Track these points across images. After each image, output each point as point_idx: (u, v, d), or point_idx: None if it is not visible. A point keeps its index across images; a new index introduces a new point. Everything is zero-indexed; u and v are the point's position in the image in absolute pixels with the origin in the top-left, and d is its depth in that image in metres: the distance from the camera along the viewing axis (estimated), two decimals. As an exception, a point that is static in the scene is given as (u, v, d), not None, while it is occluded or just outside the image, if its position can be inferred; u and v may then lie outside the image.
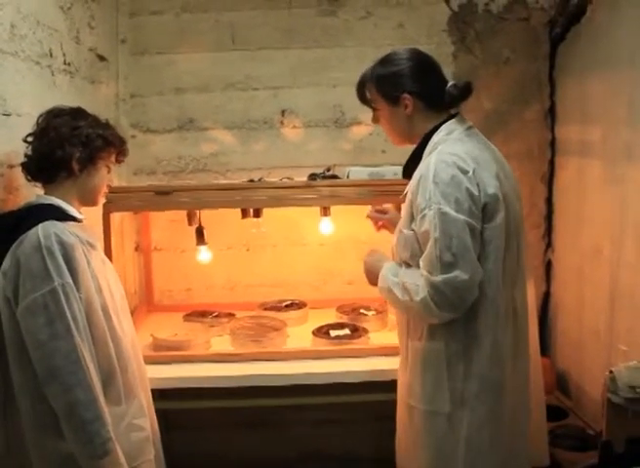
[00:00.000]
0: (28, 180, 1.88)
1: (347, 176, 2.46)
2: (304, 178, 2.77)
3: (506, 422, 1.92)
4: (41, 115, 1.86)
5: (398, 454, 2.14)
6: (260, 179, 2.80)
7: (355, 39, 3.16)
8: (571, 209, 3.12)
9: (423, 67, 2.00)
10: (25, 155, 1.85)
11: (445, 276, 1.75)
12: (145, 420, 1.94)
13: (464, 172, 1.80)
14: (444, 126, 1.95)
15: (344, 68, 3.15)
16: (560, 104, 3.22)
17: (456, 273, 1.75)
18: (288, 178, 2.82)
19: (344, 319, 2.83)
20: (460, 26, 3.17)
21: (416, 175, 1.90)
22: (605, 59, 2.76)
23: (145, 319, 2.99)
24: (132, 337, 1.98)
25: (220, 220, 2.89)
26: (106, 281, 1.90)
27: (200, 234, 2.77)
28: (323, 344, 2.56)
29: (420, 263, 1.82)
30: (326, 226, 2.87)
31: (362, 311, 2.89)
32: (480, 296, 1.83)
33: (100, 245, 1.97)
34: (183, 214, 2.83)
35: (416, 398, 1.97)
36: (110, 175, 1.99)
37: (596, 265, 2.85)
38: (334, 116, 3.19)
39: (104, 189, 1.97)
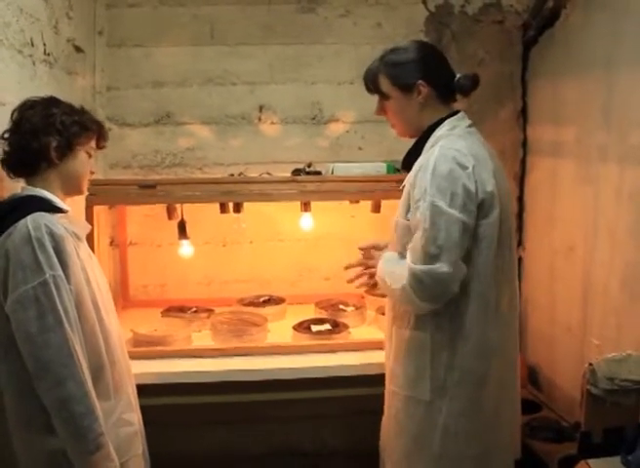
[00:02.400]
0: (10, 177, 1.85)
1: (332, 172, 2.48)
2: (282, 174, 2.77)
3: (488, 414, 1.96)
4: (15, 109, 1.83)
5: (381, 440, 2.18)
6: (240, 174, 2.79)
7: (334, 37, 3.18)
8: (542, 208, 3.19)
9: (436, 57, 2.05)
10: (3, 151, 1.82)
11: (427, 266, 1.79)
12: (134, 415, 1.92)
13: (464, 167, 1.83)
14: (447, 121, 1.98)
15: (323, 66, 3.18)
16: (532, 105, 3.29)
17: (438, 265, 1.78)
18: (267, 174, 2.82)
19: (324, 314, 2.84)
20: (437, 27, 3.21)
21: (415, 166, 1.93)
22: (579, 63, 2.83)
23: (121, 314, 2.94)
24: (118, 332, 1.96)
25: (198, 215, 2.88)
26: (94, 274, 1.87)
27: (182, 228, 2.76)
28: (305, 339, 2.57)
29: (408, 250, 1.87)
30: (306, 222, 2.88)
31: (341, 307, 2.91)
32: (469, 291, 1.87)
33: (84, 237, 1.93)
34: (159, 208, 2.82)
35: (397, 383, 2.02)
36: (92, 162, 1.95)
37: (569, 263, 2.92)
38: (311, 113, 3.20)
39: (88, 176, 1.93)
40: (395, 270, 1.93)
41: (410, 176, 1.95)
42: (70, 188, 1.89)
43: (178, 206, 2.70)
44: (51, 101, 1.86)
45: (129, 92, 3.13)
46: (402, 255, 1.95)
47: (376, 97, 2.08)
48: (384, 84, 2.02)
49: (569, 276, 2.92)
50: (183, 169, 3.15)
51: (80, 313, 1.73)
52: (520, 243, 3.39)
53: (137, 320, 2.82)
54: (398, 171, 2.62)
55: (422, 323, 1.94)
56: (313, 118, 3.20)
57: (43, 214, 1.71)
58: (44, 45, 2.41)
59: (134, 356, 2.19)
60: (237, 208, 2.73)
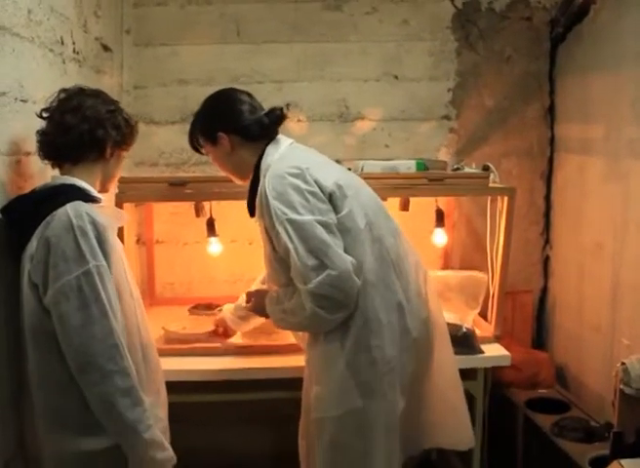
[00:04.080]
0: (42, 158, 1.80)
1: (361, 170, 2.47)
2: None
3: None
4: (60, 92, 1.80)
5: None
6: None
7: (360, 34, 3.16)
8: (570, 206, 3.16)
9: (224, 105, 2.10)
10: (44, 132, 1.77)
11: (317, 280, 1.79)
12: (163, 411, 1.90)
13: (296, 175, 1.87)
14: (267, 149, 2.03)
15: (349, 63, 3.17)
16: (560, 103, 3.26)
17: (326, 272, 1.79)
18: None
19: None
20: (463, 24, 3.19)
21: (257, 200, 1.96)
22: (608, 59, 2.81)
23: (148, 311, 2.93)
24: (147, 326, 1.94)
25: (225, 213, 2.88)
26: (128, 267, 1.86)
27: (211, 226, 2.76)
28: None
29: (294, 279, 1.87)
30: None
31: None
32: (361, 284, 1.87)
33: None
34: (186, 206, 2.83)
35: (324, 407, 1.95)
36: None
37: (597, 261, 2.89)
38: (338, 110, 3.19)
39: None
40: (284, 306, 1.96)
41: (257, 211, 1.98)
42: (104, 185, 1.89)
43: (206, 203, 2.70)
44: (107, 96, 1.86)
45: (155, 90, 3.14)
46: (287, 286, 1.97)
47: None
48: (200, 141, 2.13)
49: (598, 274, 2.89)
50: (210, 167, 3.10)
51: (120, 305, 1.69)
52: (547, 241, 3.37)
53: (164, 317, 2.82)
54: (427, 168, 2.60)
55: (327, 335, 1.93)
56: (340, 116, 3.19)
57: (82, 202, 1.67)
58: (73, 43, 2.43)
59: (162, 353, 2.19)
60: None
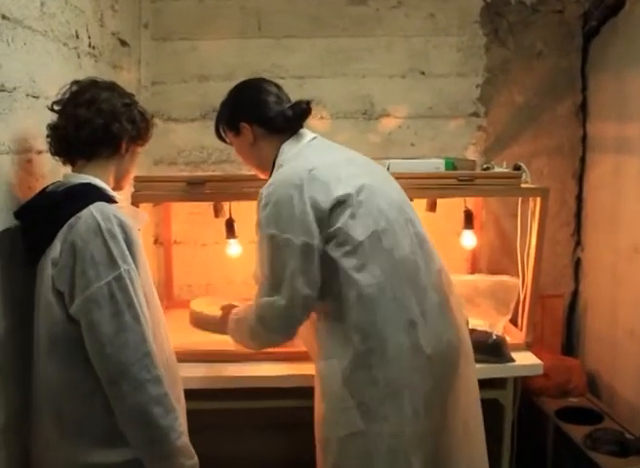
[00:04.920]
0: (53, 154, 1.72)
1: (388, 169, 2.37)
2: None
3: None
4: (72, 84, 1.72)
5: None
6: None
7: (385, 29, 3.06)
8: (604, 207, 3.04)
9: (252, 94, 2.03)
10: (55, 126, 1.69)
11: (266, 299, 1.83)
12: (183, 419, 1.78)
13: (294, 186, 1.78)
14: (283, 146, 1.96)
15: (374, 59, 3.07)
16: (593, 100, 3.14)
17: (275, 298, 1.80)
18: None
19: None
20: (492, 18, 3.08)
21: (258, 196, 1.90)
22: (646, 54, 2.69)
23: (166, 314, 2.85)
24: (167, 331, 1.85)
25: (245, 213, 2.77)
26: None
27: (230, 227, 2.66)
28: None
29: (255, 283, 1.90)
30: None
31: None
32: (360, 298, 1.77)
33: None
34: (204, 206, 2.74)
35: (328, 427, 1.86)
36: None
37: (633, 264, 2.78)
38: (362, 107, 3.08)
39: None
40: (239, 316, 2.00)
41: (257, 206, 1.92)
42: (118, 183, 1.80)
43: (225, 204, 2.62)
44: (122, 89, 1.78)
45: (174, 86, 3.05)
46: None
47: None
48: (224, 131, 2.08)
49: (633, 278, 2.78)
50: (230, 165, 3.07)
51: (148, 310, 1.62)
52: (579, 243, 3.25)
53: (182, 320, 2.74)
54: (456, 168, 2.50)
55: (327, 349, 1.85)
56: (364, 113, 3.09)
57: (105, 203, 1.59)
58: (89, 38, 2.36)
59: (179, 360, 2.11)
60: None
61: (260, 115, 1.97)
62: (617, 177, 2.92)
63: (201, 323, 2.42)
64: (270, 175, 1.95)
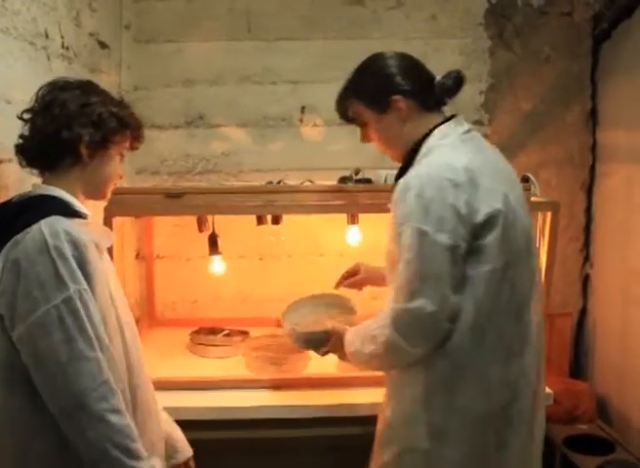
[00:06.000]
0: (23, 166, 1.57)
1: (385, 180, 2.19)
2: (326, 182, 2.50)
3: (490, 456, 1.68)
4: (42, 87, 1.56)
5: None
6: (279, 182, 2.52)
7: (384, 31, 2.91)
8: (615, 220, 2.88)
9: (405, 64, 1.78)
10: (21, 136, 1.54)
11: (408, 305, 1.57)
12: (156, 459, 1.62)
13: (454, 185, 1.57)
14: (437, 129, 1.72)
15: (371, 62, 2.90)
16: (604, 107, 2.98)
17: (421, 302, 1.55)
18: (309, 182, 2.54)
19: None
20: (497, 20, 2.93)
21: (400, 183, 1.64)
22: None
23: (147, 334, 2.70)
24: (140, 356, 1.66)
25: (232, 227, 2.63)
26: (117, 289, 1.61)
27: (213, 242, 2.49)
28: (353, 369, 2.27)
29: (390, 289, 1.64)
30: (353, 236, 2.60)
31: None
32: (463, 321, 1.59)
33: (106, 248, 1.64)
34: (189, 218, 2.56)
35: (389, 434, 1.74)
36: (122, 165, 1.68)
37: (647, 284, 2.61)
38: (358, 114, 2.92)
39: (116, 180, 1.66)
40: (372, 330, 1.68)
41: (394, 194, 1.66)
42: (93, 192, 1.62)
43: (209, 217, 2.44)
44: (89, 87, 1.60)
45: (158, 91, 2.89)
46: None
47: None
48: (358, 109, 1.81)
49: (646, 297, 2.61)
50: (217, 175, 2.91)
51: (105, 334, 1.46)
52: (587, 258, 3.08)
53: (164, 340, 2.58)
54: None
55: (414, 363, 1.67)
56: (360, 120, 2.92)
57: (59, 217, 1.43)
58: (62, 38, 2.19)
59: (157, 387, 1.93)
60: (276, 219, 2.46)
61: (421, 85, 1.74)
62: (629, 189, 2.77)
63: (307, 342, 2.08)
64: (407, 160, 1.74)
